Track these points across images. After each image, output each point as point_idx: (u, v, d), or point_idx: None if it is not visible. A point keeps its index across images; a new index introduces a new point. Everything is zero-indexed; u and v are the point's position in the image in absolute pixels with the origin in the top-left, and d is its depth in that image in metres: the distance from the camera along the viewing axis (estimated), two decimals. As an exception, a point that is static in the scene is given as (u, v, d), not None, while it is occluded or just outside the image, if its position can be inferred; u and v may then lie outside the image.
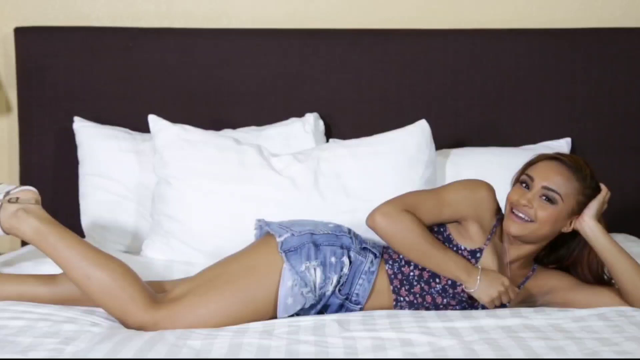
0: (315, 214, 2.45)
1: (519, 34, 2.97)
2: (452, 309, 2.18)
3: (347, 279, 2.17)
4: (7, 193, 2.17)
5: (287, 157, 2.65)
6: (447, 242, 2.21)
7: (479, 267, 2.15)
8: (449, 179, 2.72)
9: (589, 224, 2.16)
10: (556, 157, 2.20)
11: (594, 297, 2.17)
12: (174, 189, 2.58)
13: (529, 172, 2.20)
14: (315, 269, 2.13)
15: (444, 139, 2.84)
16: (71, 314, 2.03)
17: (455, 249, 2.20)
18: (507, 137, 2.93)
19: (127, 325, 2.03)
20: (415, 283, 2.19)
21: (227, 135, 2.74)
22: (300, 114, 2.89)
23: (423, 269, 2.19)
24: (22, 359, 1.71)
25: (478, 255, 2.20)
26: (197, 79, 2.93)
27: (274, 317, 2.12)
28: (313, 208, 2.52)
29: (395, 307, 2.19)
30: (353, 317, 2.06)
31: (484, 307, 2.17)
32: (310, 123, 2.84)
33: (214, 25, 3.01)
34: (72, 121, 2.85)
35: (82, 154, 2.82)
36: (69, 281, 2.12)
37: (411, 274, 2.20)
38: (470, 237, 2.21)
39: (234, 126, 2.87)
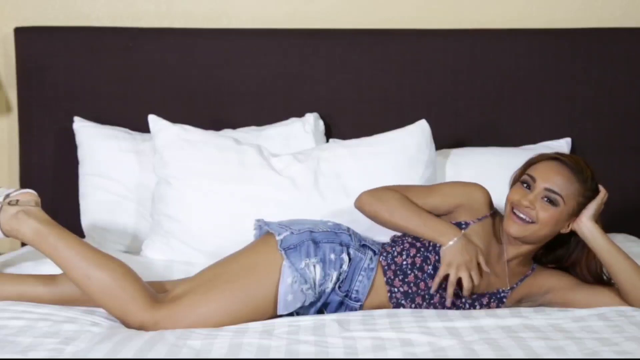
0: (315, 214, 2.45)
1: (519, 34, 2.97)
2: (443, 289, 2.17)
3: (346, 275, 2.17)
4: (7, 196, 2.18)
5: (287, 157, 2.65)
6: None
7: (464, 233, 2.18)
8: (448, 179, 2.73)
9: (587, 225, 2.17)
10: (557, 158, 2.20)
11: (593, 297, 2.17)
12: (174, 189, 2.58)
13: (531, 173, 2.20)
14: (314, 266, 2.13)
15: (444, 139, 2.84)
16: (71, 313, 2.03)
17: None
18: (507, 137, 2.93)
19: (128, 325, 2.03)
20: (409, 272, 2.20)
21: (227, 135, 2.74)
22: (300, 114, 2.89)
23: (415, 257, 2.20)
24: (22, 359, 1.71)
25: (463, 226, 2.22)
26: (197, 79, 2.93)
27: (275, 315, 2.12)
28: (313, 208, 2.52)
29: (390, 299, 2.19)
30: (353, 317, 2.06)
31: (472, 301, 2.16)
32: (310, 123, 2.85)
33: (214, 25, 3.01)
34: (72, 121, 2.85)
35: (82, 154, 2.82)
36: (69, 281, 2.12)
37: (404, 263, 2.20)
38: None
39: (234, 126, 2.87)
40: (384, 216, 2.25)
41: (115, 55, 2.93)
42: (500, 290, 2.21)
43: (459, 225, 2.23)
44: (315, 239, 2.18)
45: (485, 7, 3.05)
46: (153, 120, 2.68)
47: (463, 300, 2.19)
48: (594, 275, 2.23)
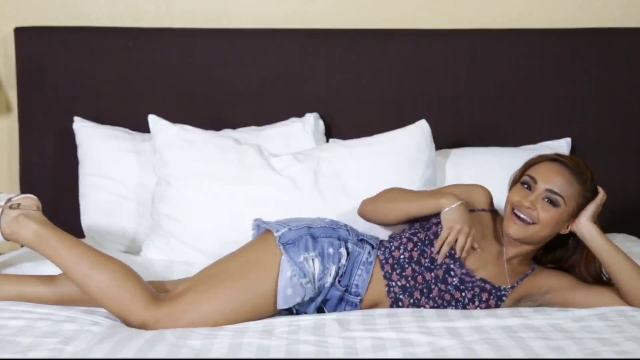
0: (315, 214, 2.45)
1: (519, 34, 2.97)
2: (441, 282, 2.18)
3: (345, 269, 2.18)
4: (9, 200, 2.20)
5: (287, 157, 2.65)
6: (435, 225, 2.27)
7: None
8: (449, 179, 2.73)
9: (586, 226, 2.17)
10: (558, 159, 2.21)
11: (593, 297, 2.18)
12: (174, 189, 2.58)
13: (531, 173, 2.20)
14: (313, 260, 2.14)
15: (444, 139, 2.84)
16: (71, 313, 2.03)
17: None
18: (507, 137, 2.93)
19: (129, 324, 2.03)
20: (406, 266, 2.20)
21: (227, 135, 2.74)
22: (300, 114, 2.89)
23: (412, 251, 2.21)
24: (22, 359, 1.71)
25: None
26: (197, 79, 2.93)
27: (275, 312, 2.12)
28: (313, 208, 2.52)
29: (388, 293, 2.19)
30: (353, 317, 2.06)
31: (468, 276, 2.18)
32: (310, 123, 2.84)
33: (214, 25, 3.01)
34: (72, 121, 2.85)
35: (82, 154, 2.82)
36: (69, 281, 2.12)
37: (401, 257, 2.21)
38: None
39: (234, 126, 2.87)
40: (384, 206, 2.33)
41: (115, 55, 2.92)
42: (501, 287, 2.21)
43: None
44: (314, 234, 2.19)
45: (485, 7, 3.05)
46: (153, 120, 2.68)
47: (463, 294, 2.19)
48: (593, 275, 2.23)
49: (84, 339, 1.84)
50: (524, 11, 3.06)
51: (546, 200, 2.16)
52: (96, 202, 2.75)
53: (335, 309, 2.19)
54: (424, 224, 2.30)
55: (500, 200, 2.30)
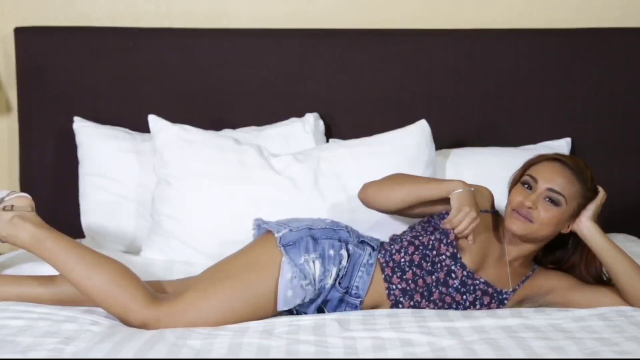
0: (315, 214, 2.45)
1: (519, 34, 2.97)
2: (442, 285, 2.18)
3: (346, 271, 2.18)
4: (2, 200, 2.17)
5: (287, 157, 2.65)
6: (441, 218, 2.26)
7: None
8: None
9: (586, 225, 2.18)
10: (558, 159, 2.21)
11: (594, 297, 2.18)
12: (174, 189, 2.58)
13: (532, 173, 2.20)
14: (314, 262, 2.14)
15: (444, 139, 2.84)
16: (71, 313, 2.03)
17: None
18: (507, 137, 2.93)
19: (129, 324, 2.03)
20: (407, 269, 2.20)
21: (227, 135, 2.74)
22: (300, 114, 2.89)
23: (413, 254, 2.20)
24: (22, 359, 1.71)
25: None
26: (197, 79, 2.93)
27: (276, 311, 2.12)
28: (313, 208, 2.52)
29: (388, 296, 2.19)
30: (353, 317, 2.06)
31: (469, 278, 2.17)
32: (310, 123, 2.84)
33: (214, 25, 3.01)
34: (72, 121, 2.85)
35: (82, 154, 2.82)
36: (68, 282, 2.12)
37: (402, 260, 2.21)
38: None
39: (234, 126, 2.87)
40: (390, 187, 2.31)
41: (115, 55, 2.92)
42: (503, 290, 2.21)
43: None
44: (314, 235, 2.18)
45: (485, 7, 3.05)
46: (153, 120, 2.68)
47: (464, 297, 2.19)
48: (593, 275, 2.23)
49: (84, 339, 1.84)
50: (524, 11, 3.06)
51: (547, 199, 2.16)
52: (96, 202, 2.75)
53: (335, 310, 2.19)
54: (425, 226, 2.29)
55: (499, 200, 2.30)
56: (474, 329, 1.94)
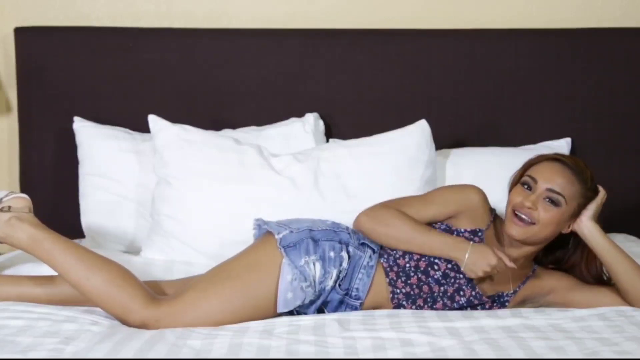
0: (315, 214, 2.45)
1: (519, 34, 2.97)
2: (448, 298, 2.17)
3: (346, 273, 2.17)
4: (0, 201, 2.17)
5: (287, 157, 2.65)
6: (446, 230, 2.23)
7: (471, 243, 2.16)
8: (449, 179, 2.73)
9: (587, 225, 2.17)
10: (558, 159, 2.20)
11: (594, 297, 2.18)
12: (174, 189, 2.58)
13: (531, 174, 2.20)
14: (314, 264, 2.13)
15: (444, 139, 2.84)
16: (71, 313, 2.03)
17: (455, 233, 2.22)
18: (507, 137, 2.93)
19: (129, 324, 2.02)
20: (412, 274, 2.19)
21: (227, 135, 2.74)
22: (300, 114, 2.89)
23: (418, 260, 2.20)
24: (22, 359, 1.71)
25: (480, 234, 2.21)
26: (197, 79, 2.93)
27: (276, 313, 2.12)
28: (313, 208, 2.52)
29: (392, 300, 2.19)
30: (353, 317, 2.06)
31: (476, 298, 2.17)
32: (310, 123, 2.84)
33: (214, 25, 3.01)
34: (72, 121, 2.85)
35: (82, 154, 2.82)
36: (67, 282, 2.12)
37: (407, 265, 2.20)
38: (466, 226, 2.23)
39: (234, 126, 2.87)
40: (388, 242, 2.22)
41: (115, 55, 2.92)
42: (504, 293, 2.21)
43: (474, 233, 2.22)
44: (315, 237, 2.18)
45: (485, 7, 3.05)
46: (153, 120, 2.68)
47: (467, 309, 2.19)
48: (594, 275, 2.23)
49: (84, 339, 1.84)
50: (524, 11, 3.06)
51: (547, 200, 2.15)
52: (96, 202, 2.75)
53: (335, 311, 2.19)
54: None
55: (499, 200, 2.30)
56: (474, 329, 1.94)
